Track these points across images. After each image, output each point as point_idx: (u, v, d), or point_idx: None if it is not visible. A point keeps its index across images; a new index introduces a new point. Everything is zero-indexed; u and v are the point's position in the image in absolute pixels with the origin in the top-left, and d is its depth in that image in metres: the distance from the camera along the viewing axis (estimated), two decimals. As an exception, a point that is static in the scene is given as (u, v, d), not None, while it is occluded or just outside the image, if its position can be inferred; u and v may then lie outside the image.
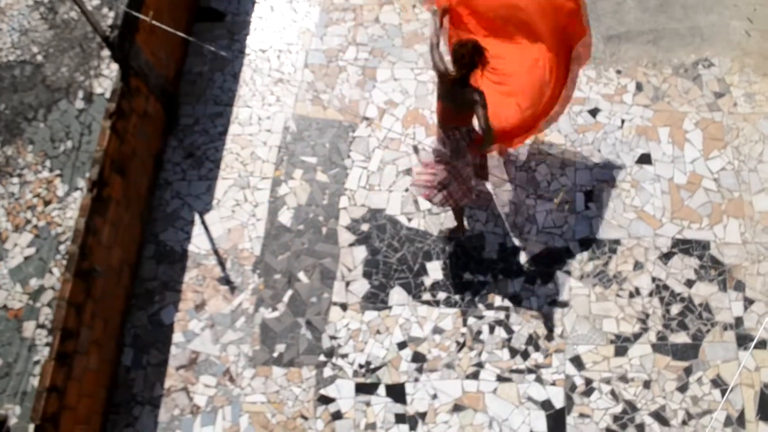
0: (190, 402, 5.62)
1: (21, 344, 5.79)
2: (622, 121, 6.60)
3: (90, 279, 5.29)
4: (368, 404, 5.57)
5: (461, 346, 5.73)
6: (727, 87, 6.75)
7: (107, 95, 6.58)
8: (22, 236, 6.21)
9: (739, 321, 5.74)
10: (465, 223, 6.09)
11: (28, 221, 6.27)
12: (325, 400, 5.59)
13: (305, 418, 5.54)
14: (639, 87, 6.78)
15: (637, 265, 5.97)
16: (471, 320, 5.81)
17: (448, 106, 5.15)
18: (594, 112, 6.65)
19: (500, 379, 5.62)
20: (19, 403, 5.59)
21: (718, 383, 5.55)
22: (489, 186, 6.20)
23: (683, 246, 6.04)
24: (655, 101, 6.70)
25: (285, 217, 6.27)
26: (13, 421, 5.49)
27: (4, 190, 6.43)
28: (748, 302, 5.82)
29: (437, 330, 5.79)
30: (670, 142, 6.49)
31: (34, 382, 5.52)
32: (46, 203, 6.34)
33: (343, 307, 5.90)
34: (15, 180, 6.48)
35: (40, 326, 5.84)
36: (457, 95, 5.03)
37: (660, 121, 6.59)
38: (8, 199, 6.39)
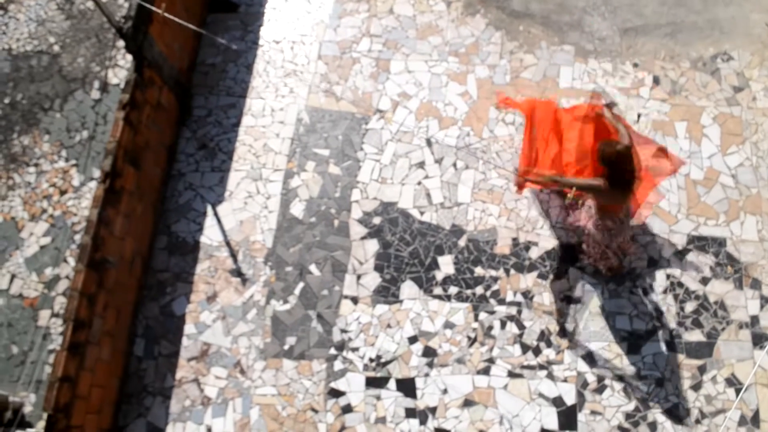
0: (201, 393, 5.65)
1: (36, 333, 5.84)
2: (639, 116, 6.51)
3: (102, 270, 5.32)
4: (378, 398, 5.57)
5: (472, 341, 5.70)
6: (746, 81, 6.63)
7: (122, 85, 6.60)
8: (38, 225, 6.25)
9: (755, 319, 5.67)
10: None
11: (44, 211, 6.32)
12: (336, 394, 5.60)
13: (315, 411, 5.55)
14: (656, 81, 6.68)
15: (652, 262, 5.90)
16: (482, 315, 5.78)
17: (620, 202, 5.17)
18: (610, 106, 6.54)
19: (511, 374, 5.59)
20: (34, 391, 5.64)
21: (733, 382, 5.48)
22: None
23: (699, 243, 5.96)
24: (672, 95, 6.60)
25: (297, 210, 6.27)
26: (28, 409, 5.55)
27: (20, 180, 6.47)
28: (765, 300, 5.73)
29: (448, 325, 5.77)
30: (687, 137, 6.40)
31: (49, 370, 5.58)
32: (62, 193, 6.38)
33: (354, 300, 5.89)
34: (31, 169, 6.52)
35: (55, 315, 5.89)
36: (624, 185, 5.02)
37: (677, 115, 6.50)
38: (25, 188, 6.44)
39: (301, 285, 5.98)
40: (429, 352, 5.69)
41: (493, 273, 5.94)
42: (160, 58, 6.08)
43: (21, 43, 7.16)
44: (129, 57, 6.74)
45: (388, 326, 5.79)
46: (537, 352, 5.65)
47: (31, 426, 5.43)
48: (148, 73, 5.91)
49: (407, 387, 5.59)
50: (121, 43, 6.83)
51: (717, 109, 6.51)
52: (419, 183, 6.32)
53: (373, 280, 5.96)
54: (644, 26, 6.97)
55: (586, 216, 5.52)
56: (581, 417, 5.43)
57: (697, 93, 6.60)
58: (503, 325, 5.75)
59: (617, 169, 4.87)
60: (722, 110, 6.51)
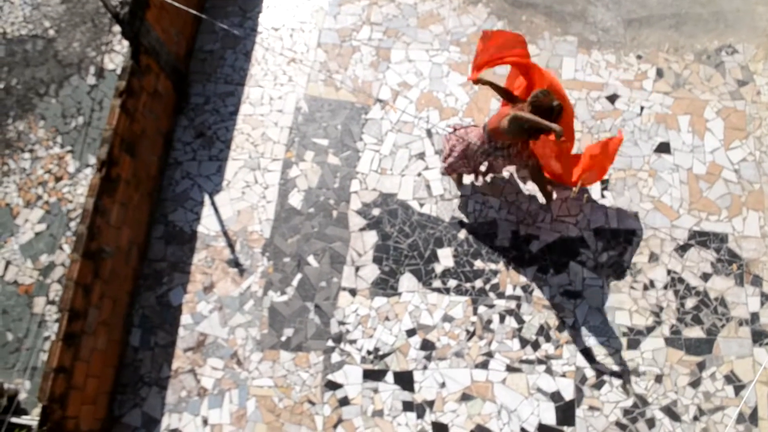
0: (197, 384, 5.61)
1: (31, 320, 5.81)
2: (641, 108, 6.45)
3: (98, 259, 5.25)
4: (376, 391, 5.53)
5: (471, 334, 5.67)
6: (751, 75, 6.56)
7: (119, 71, 6.51)
8: (33, 212, 6.20)
9: (755, 317, 5.64)
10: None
11: (39, 197, 6.27)
12: (333, 386, 5.56)
13: (312, 403, 5.52)
14: (660, 73, 6.61)
15: (653, 257, 5.86)
16: (481, 309, 5.74)
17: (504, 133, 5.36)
18: (612, 99, 6.49)
19: (510, 369, 5.56)
20: (29, 378, 5.62)
21: (732, 379, 5.46)
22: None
23: (700, 238, 5.92)
24: (675, 88, 6.53)
25: (295, 200, 6.20)
26: (23, 396, 5.53)
27: (15, 166, 6.41)
28: (765, 298, 5.70)
29: (447, 318, 5.73)
30: (690, 130, 6.34)
31: (44, 357, 5.55)
32: (57, 179, 6.33)
33: (353, 292, 5.85)
34: (26, 155, 6.46)
35: (50, 302, 5.87)
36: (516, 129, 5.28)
37: (680, 108, 6.43)
38: (20, 174, 6.38)
39: (299, 276, 5.93)
40: (427, 345, 5.65)
41: (493, 266, 5.89)
42: (157, 44, 5.98)
43: (16, 27, 7.07)
44: (125, 42, 6.66)
45: (387, 319, 5.75)
46: (536, 346, 5.62)
47: (26, 413, 5.42)
48: (144, 60, 5.81)
49: (405, 380, 5.56)
50: (117, 28, 6.74)
51: (721, 103, 6.45)
52: (419, 174, 6.25)
53: (371, 272, 5.91)
54: (648, 17, 6.89)
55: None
56: (579, 412, 5.41)
57: (700, 86, 6.53)
58: (502, 319, 5.71)
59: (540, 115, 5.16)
60: (726, 104, 6.44)
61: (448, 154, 5.75)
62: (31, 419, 5.21)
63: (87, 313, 5.13)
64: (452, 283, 5.85)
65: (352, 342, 5.68)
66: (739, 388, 5.43)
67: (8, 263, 6.03)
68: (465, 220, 6.07)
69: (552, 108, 5.14)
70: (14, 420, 5.21)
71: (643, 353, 5.56)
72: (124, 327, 5.72)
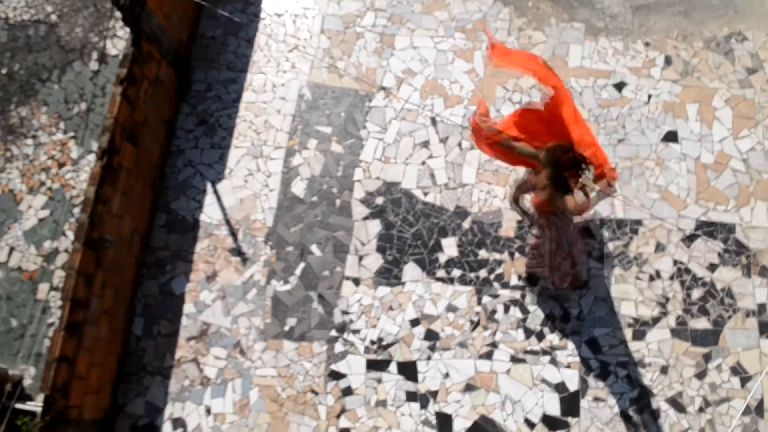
0: (200, 373, 5.61)
1: (35, 306, 5.82)
2: (649, 97, 6.36)
3: (100, 249, 5.23)
4: (379, 381, 5.52)
5: (475, 325, 5.64)
6: (761, 63, 6.47)
7: (121, 57, 6.47)
8: (36, 198, 6.19)
9: (762, 308, 5.59)
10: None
11: (43, 183, 6.25)
12: (336, 376, 5.55)
13: (315, 393, 5.51)
14: (668, 61, 6.51)
15: (659, 247, 5.81)
16: (486, 299, 5.71)
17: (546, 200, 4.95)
18: (620, 86, 6.41)
19: (514, 359, 5.53)
20: (34, 364, 5.64)
21: (738, 371, 5.43)
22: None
23: (707, 228, 5.86)
24: (684, 76, 6.44)
25: (298, 188, 6.16)
26: (27, 382, 5.54)
27: (18, 152, 6.39)
28: (773, 289, 5.66)
29: (451, 308, 5.70)
30: (698, 119, 6.26)
31: (48, 343, 5.55)
32: (60, 165, 6.31)
33: (356, 281, 5.81)
34: (29, 141, 6.43)
35: (54, 289, 5.87)
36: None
37: (688, 97, 6.35)
38: (23, 160, 6.36)
39: (302, 265, 5.90)
40: (431, 336, 5.62)
41: (498, 256, 5.85)
42: (158, 31, 5.91)
43: (18, 12, 7.01)
44: (127, 28, 6.60)
45: (390, 308, 5.72)
46: (540, 337, 5.59)
47: (30, 399, 5.43)
48: (146, 47, 5.75)
49: (408, 370, 5.54)
50: (119, 13, 6.67)
51: (729, 92, 6.36)
52: (423, 163, 6.20)
53: (375, 261, 5.88)
54: (657, 4, 6.78)
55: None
56: (584, 403, 5.39)
57: (709, 74, 6.44)
58: (507, 309, 5.68)
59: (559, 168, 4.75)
60: (735, 92, 6.36)
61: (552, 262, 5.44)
62: (36, 405, 5.22)
63: (89, 302, 5.11)
64: (456, 272, 5.81)
65: (356, 332, 5.66)
66: (745, 380, 5.40)
67: (12, 249, 6.03)
68: (469, 209, 6.02)
69: (573, 161, 4.71)
70: (19, 406, 5.23)
71: (648, 344, 5.52)
72: (126, 316, 5.70)
